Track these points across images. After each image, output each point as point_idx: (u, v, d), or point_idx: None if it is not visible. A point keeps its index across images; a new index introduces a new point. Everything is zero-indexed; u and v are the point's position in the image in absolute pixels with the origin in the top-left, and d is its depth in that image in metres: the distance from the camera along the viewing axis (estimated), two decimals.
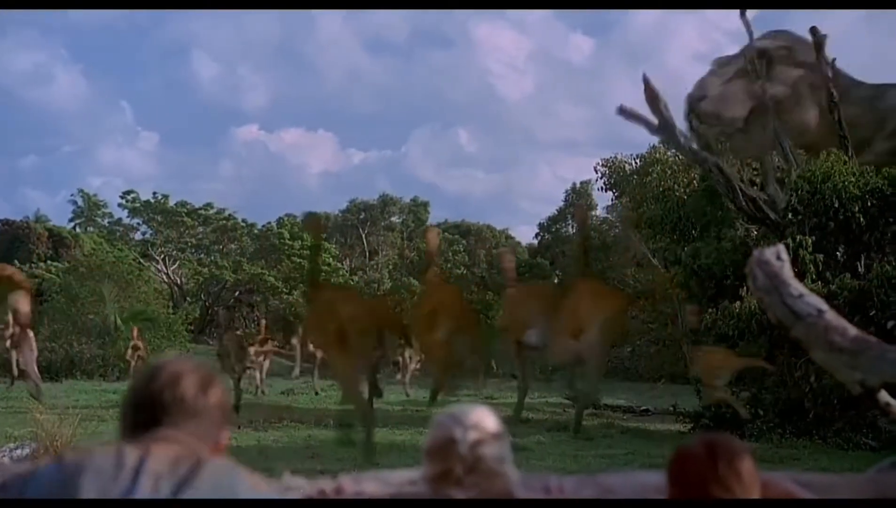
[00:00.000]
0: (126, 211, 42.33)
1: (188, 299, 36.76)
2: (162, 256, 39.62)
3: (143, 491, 1.75)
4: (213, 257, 40.26)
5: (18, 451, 8.62)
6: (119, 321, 23.05)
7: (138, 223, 42.77)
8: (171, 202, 41.56)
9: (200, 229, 41.70)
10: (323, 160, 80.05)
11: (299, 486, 2.66)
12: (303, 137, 79.91)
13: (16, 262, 35.22)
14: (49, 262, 34.55)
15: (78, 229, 42.15)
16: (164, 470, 1.78)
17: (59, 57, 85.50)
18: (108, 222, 43.54)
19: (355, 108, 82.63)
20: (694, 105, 15.42)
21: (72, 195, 44.01)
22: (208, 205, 41.98)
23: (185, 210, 41.28)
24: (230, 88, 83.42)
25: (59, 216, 45.50)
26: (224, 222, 41.54)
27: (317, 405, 15.36)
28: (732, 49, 17.33)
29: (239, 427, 11.69)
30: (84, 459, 1.82)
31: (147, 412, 1.93)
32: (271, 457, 9.39)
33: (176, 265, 39.36)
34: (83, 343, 22.11)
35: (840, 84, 15.01)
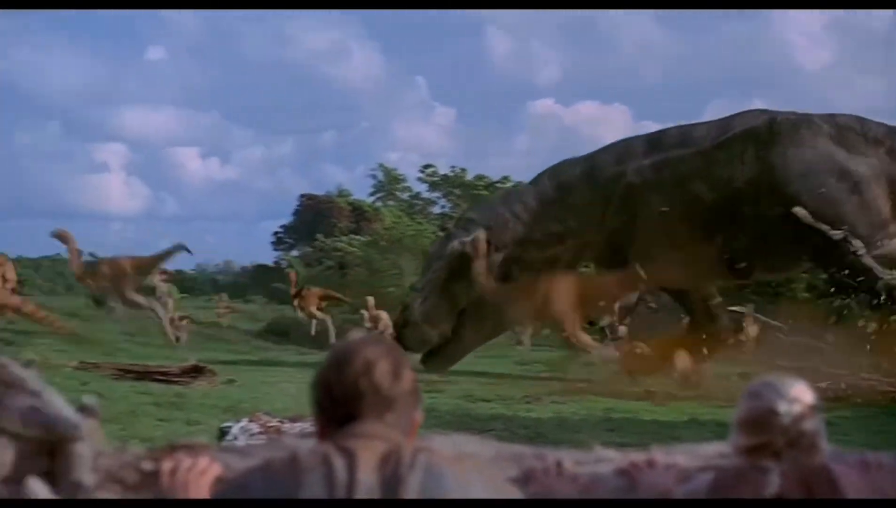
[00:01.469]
0: (425, 185, 42.19)
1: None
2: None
3: None
4: None
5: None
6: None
7: (437, 197, 42.40)
8: (469, 176, 41.06)
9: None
10: (617, 133, 77.68)
11: (611, 457, 2.48)
12: (598, 109, 78.05)
13: (319, 236, 36.05)
14: (351, 236, 35.06)
15: (378, 203, 42.59)
16: (374, 484, 1.78)
17: (355, 34, 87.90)
18: (408, 196, 43.47)
19: (648, 80, 79.66)
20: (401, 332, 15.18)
21: (371, 170, 44.10)
22: (505, 178, 40.54)
23: (483, 184, 40.38)
24: (524, 63, 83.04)
25: (358, 190, 45.94)
26: None
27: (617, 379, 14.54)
28: None
29: (539, 399, 11.67)
30: (294, 472, 1.81)
31: (345, 406, 1.91)
32: (570, 429, 9.39)
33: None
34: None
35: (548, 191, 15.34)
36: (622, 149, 15.27)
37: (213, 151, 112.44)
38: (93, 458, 2.08)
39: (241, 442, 7.18)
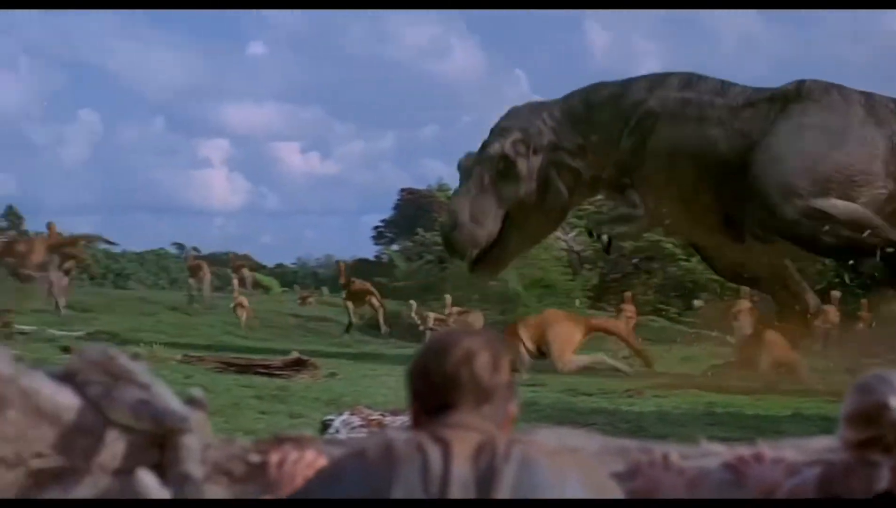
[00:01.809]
0: None
1: (586, 266, 35.40)
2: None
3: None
4: None
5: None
6: (520, 288, 22.25)
7: None
8: None
9: (599, 196, 40.53)
10: None
11: (717, 451, 2.43)
12: None
13: (419, 230, 36.34)
14: None
15: None
16: (469, 476, 1.76)
17: (455, 29, 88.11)
18: None
19: (752, 74, 77.91)
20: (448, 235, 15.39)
21: None
22: None
23: None
24: (624, 56, 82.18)
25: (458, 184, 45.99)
26: None
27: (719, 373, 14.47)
28: None
29: (640, 393, 11.57)
30: (389, 462, 1.79)
31: (442, 394, 1.90)
32: (672, 423, 9.34)
33: (575, 233, 38.44)
34: (485, 310, 21.89)
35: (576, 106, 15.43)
36: (658, 79, 15.37)
37: (314, 145, 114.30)
38: (201, 450, 2.09)
39: (342, 435, 7.24)
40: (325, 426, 7.44)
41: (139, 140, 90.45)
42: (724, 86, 15.03)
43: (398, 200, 46.05)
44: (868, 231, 13.88)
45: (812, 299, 15.81)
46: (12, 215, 43.62)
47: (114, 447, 2.04)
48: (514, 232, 15.20)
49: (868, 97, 14.64)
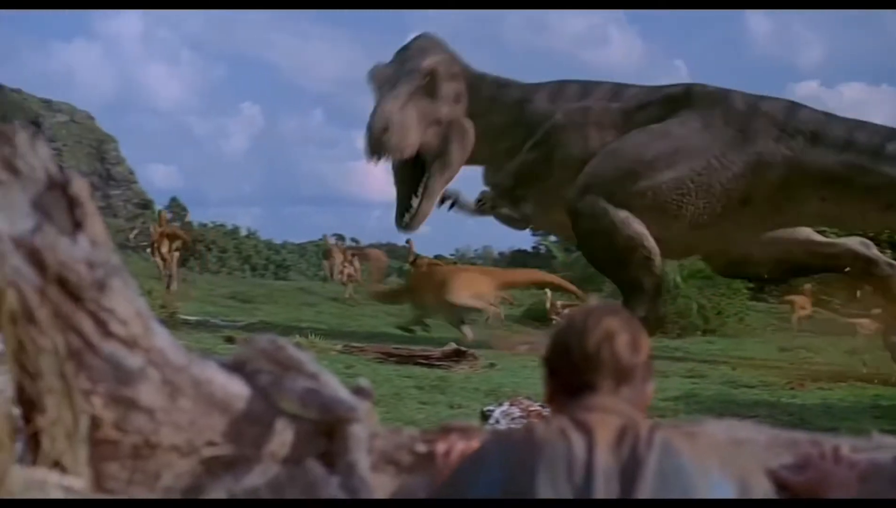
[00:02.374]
0: None
1: None
2: None
3: (597, 494, 1.72)
4: None
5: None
6: (678, 279, 21.82)
7: None
8: None
9: None
10: (885, 116, 72.98)
11: (891, 444, 2.29)
12: (864, 91, 73.67)
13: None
14: None
15: None
16: (612, 464, 1.74)
17: (614, 19, 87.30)
18: None
19: None
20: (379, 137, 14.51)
21: None
22: None
23: None
24: (785, 44, 79.67)
25: None
26: None
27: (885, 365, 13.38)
28: None
29: (803, 385, 11.12)
30: (532, 448, 1.78)
31: (582, 374, 1.90)
32: (836, 416, 9.00)
33: None
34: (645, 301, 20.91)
35: (484, 89, 15.20)
36: (556, 89, 15.02)
37: None
38: (368, 439, 2.09)
39: (502, 426, 7.23)
40: (485, 416, 7.45)
41: (299, 132, 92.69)
42: (618, 89, 14.85)
43: None
44: (639, 256, 13.58)
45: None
46: (176, 207, 45.34)
47: (283, 435, 2.06)
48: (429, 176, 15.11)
49: (754, 109, 13.78)
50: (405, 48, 15.43)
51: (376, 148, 14.49)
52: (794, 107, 13.97)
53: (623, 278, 13.97)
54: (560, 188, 14.05)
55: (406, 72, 14.74)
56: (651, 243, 13.72)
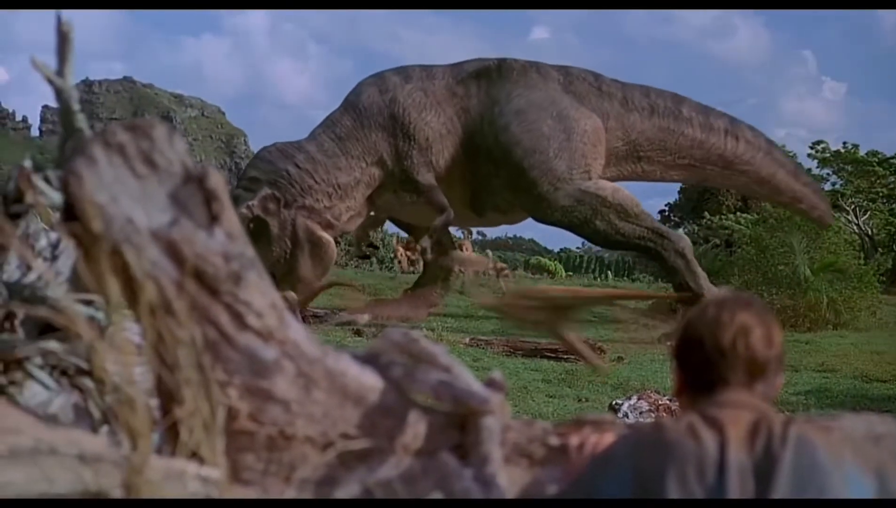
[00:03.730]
0: (815, 161, 41.93)
1: (879, 250, 33.99)
2: (852, 206, 38.41)
3: (731, 493, 1.68)
4: None
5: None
6: (808, 272, 21.35)
7: (828, 173, 42.28)
8: (862, 152, 40.93)
9: (892, 178, 40.69)
10: None
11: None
12: None
13: (706, 214, 35.82)
14: (738, 213, 35.07)
15: None
16: (746, 461, 1.70)
17: (740, 9, 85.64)
18: None
19: None
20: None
21: None
22: None
23: (877, 159, 40.36)
24: None
25: None
26: None
27: None
28: None
29: None
30: (661, 448, 1.75)
31: (715, 369, 1.85)
32: None
33: (867, 216, 37.63)
34: (773, 294, 20.78)
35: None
36: (379, 83, 14.78)
37: None
38: (501, 432, 2.07)
39: (631, 420, 7.15)
40: (614, 410, 7.37)
41: None
42: (429, 70, 14.98)
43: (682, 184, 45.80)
44: (636, 220, 13.97)
45: None
46: None
47: (416, 428, 2.05)
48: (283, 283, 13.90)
49: (566, 74, 14.98)
50: (244, 171, 14.77)
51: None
52: (596, 74, 15.27)
53: (642, 235, 14.16)
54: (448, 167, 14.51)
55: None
56: (632, 198, 14.30)
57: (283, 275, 13.46)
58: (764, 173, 15.67)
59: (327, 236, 13.96)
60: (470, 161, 14.46)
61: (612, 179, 15.04)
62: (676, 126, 15.12)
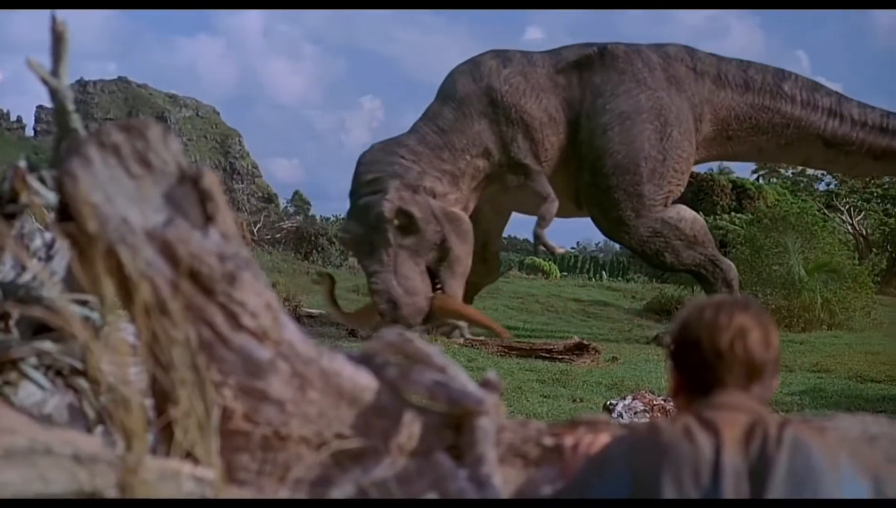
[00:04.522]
0: None
1: (874, 250, 34.08)
2: (847, 206, 38.50)
3: (726, 495, 1.69)
4: None
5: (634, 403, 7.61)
6: (803, 272, 21.40)
7: (822, 174, 42.18)
8: None
9: (887, 178, 39.34)
10: None
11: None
12: None
13: (700, 214, 35.87)
14: (732, 213, 34.89)
15: (761, 181, 41.95)
16: (741, 464, 1.71)
17: (734, 10, 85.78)
18: (792, 173, 42.68)
19: None
20: (395, 317, 12.64)
21: None
22: None
23: None
24: None
25: (739, 168, 45.34)
26: None
27: None
28: None
29: None
30: (657, 450, 1.75)
31: (713, 372, 1.86)
32: None
33: (861, 216, 37.65)
34: (768, 294, 21.05)
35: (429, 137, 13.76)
36: (475, 68, 14.21)
37: None
38: (496, 432, 2.07)
39: (625, 420, 7.15)
40: (608, 410, 7.38)
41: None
42: (529, 56, 14.47)
43: None
44: (700, 248, 13.80)
45: None
46: (299, 200, 45.90)
47: (410, 428, 2.05)
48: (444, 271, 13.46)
49: (665, 57, 14.40)
50: (356, 178, 13.51)
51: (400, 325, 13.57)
52: (691, 50, 14.80)
53: (700, 262, 13.97)
54: (552, 152, 14.06)
55: (374, 227, 12.85)
56: (705, 227, 14.28)
57: (439, 262, 13.19)
58: (876, 150, 14.92)
59: (459, 211, 13.51)
60: (573, 152, 14.00)
61: (701, 161, 14.96)
62: (773, 103, 14.60)
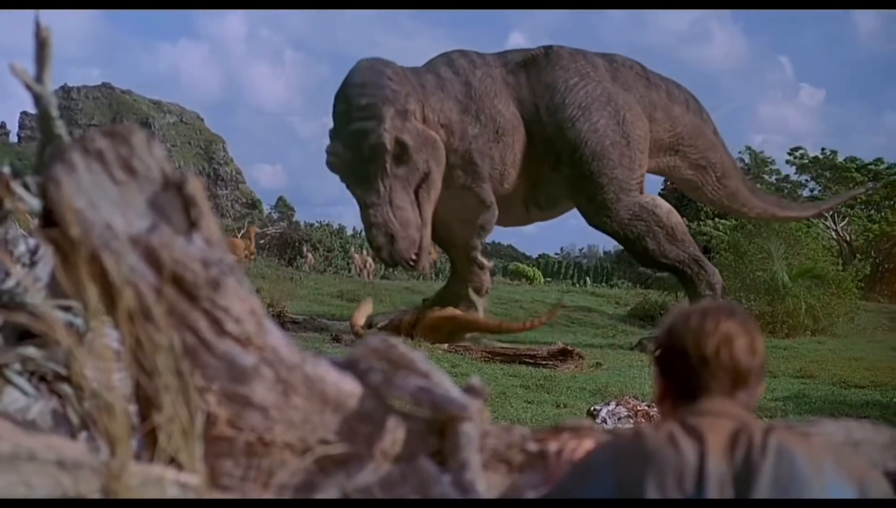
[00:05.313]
0: (793, 167, 42.27)
1: (857, 255, 34.38)
2: (831, 212, 37.44)
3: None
4: (882, 214, 38.67)
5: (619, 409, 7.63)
6: (787, 278, 21.50)
7: (806, 180, 42.50)
8: (840, 158, 41.01)
9: (870, 184, 39.55)
10: None
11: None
12: None
13: (683, 219, 35.86)
14: (716, 219, 35.09)
15: None
16: (725, 471, 1.71)
17: (716, 15, 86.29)
18: (775, 179, 43.00)
19: None
20: (391, 252, 13.19)
21: (739, 153, 44.47)
22: (878, 160, 40.53)
23: (855, 166, 40.35)
24: (893, 39, 77.40)
25: None
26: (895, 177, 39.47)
27: None
28: None
29: None
30: (641, 456, 1.75)
31: (698, 378, 1.86)
32: None
33: (845, 222, 37.66)
34: (751, 300, 21.02)
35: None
36: (447, 62, 14.27)
37: None
38: (479, 438, 2.08)
39: (609, 425, 7.16)
40: (592, 416, 7.38)
41: None
42: (483, 56, 14.55)
43: (661, 189, 46.02)
44: (683, 246, 14.11)
45: None
46: (283, 206, 45.73)
47: (394, 433, 2.06)
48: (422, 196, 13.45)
49: (611, 61, 14.76)
50: (346, 100, 13.21)
51: (395, 262, 13.48)
52: (639, 64, 15.19)
53: (684, 260, 14.23)
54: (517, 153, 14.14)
55: (370, 157, 12.79)
56: (680, 220, 14.56)
57: (418, 187, 13.20)
58: (736, 191, 16.05)
59: (432, 132, 13.42)
60: (530, 153, 14.09)
61: (649, 172, 15.05)
62: (703, 125, 15.26)
